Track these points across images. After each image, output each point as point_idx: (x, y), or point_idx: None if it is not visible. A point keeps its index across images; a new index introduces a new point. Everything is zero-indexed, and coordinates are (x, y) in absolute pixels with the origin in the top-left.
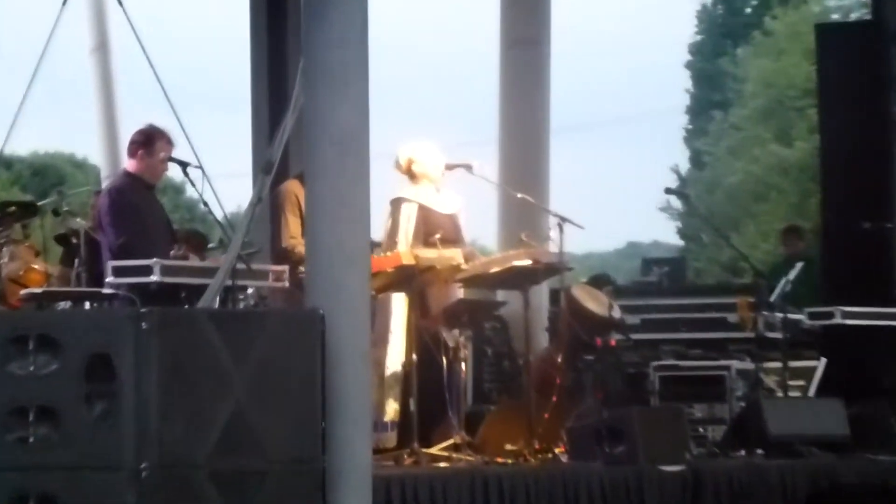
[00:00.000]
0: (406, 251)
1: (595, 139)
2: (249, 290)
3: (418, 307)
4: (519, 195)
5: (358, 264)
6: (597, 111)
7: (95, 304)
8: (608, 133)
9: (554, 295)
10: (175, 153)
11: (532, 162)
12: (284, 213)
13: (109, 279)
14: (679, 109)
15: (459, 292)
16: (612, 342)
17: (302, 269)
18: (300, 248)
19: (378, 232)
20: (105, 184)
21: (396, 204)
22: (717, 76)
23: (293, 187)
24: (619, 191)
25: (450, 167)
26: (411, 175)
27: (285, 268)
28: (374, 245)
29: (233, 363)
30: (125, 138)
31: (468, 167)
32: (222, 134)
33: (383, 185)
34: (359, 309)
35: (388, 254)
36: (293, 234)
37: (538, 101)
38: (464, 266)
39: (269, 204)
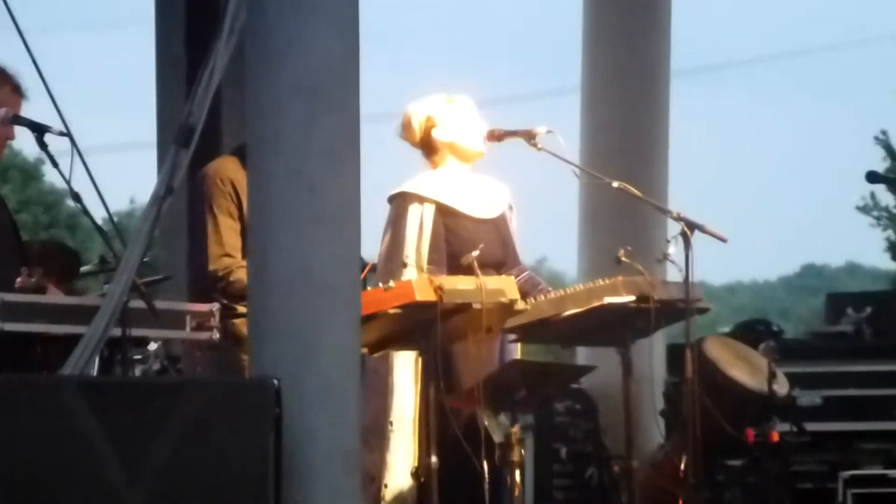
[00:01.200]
0: (421, 278)
1: (745, 89)
2: (153, 346)
3: (441, 375)
4: (615, 184)
5: (339, 301)
6: (747, 42)
7: None
8: (766, 79)
9: (675, 356)
10: (25, 111)
11: (638, 127)
12: (213, 214)
13: None
14: (888, 38)
15: (513, 350)
16: (775, 436)
17: (243, 309)
18: (239, 273)
19: (373, 247)
20: None
21: (401, 202)
22: None
23: (227, 170)
24: (787, 177)
25: (497, 136)
26: (430, 148)
27: (215, 307)
28: (368, 268)
29: (123, 466)
30: None
31: (530, 136)
32: (107, 78)
33: (390, 165)
34: (339, 378)
35: (392, 284)
36: (228, 250)
37: (648, 22)
38: (520, 305)
39: (186, 198)
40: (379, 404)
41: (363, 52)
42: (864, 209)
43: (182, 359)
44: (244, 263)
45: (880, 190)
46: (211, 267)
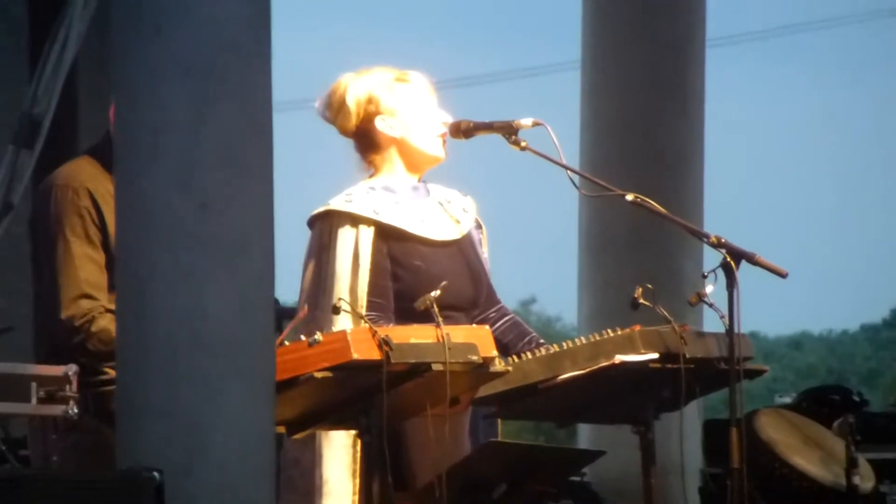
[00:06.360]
0: (360, 329)
1: (801, 61)
2: None
3: (389, 464)
4: (629, 196)
5: (243, 361)
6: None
7: None
8: (829, 48)
9: (715, 436)
10: None
11: (660, 119)
12: (65, 240)
13: None
14: None
15: (491, 427)
16: None
17: (110, 370)
18: (103, 322)
19: (291, 286)
20: None
21: (327, 225)
22: None
23: (83, 177)
24: (868, 187)
25: (465, 131)
26: (368, 143)
27: (71, 370)
28: (285, 315)
29: None
30: None
31: (510, 131)
32: None
33: (318, 171)
34: (243, 469)
35: (319, 337)
36: (87, 289)
37: None
38: (498, 365)
39: (29, 218)
40: (304, 500)
41: (276, 20)
42: None
43: (29, 443)
44: (112, 307)
45: None
46: (64, 314)
